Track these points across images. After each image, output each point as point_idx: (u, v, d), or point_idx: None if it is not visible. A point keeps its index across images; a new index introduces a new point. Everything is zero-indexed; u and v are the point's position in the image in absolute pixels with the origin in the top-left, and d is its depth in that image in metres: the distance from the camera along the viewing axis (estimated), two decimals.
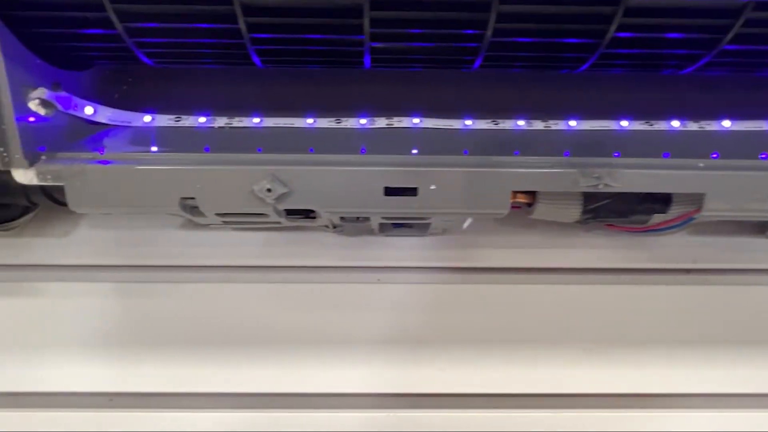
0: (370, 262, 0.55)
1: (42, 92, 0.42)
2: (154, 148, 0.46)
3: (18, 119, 0.40)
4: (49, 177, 0.42)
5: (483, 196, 0.42)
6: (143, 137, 0.49)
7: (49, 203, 0.50)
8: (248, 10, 0.38)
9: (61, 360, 0.50)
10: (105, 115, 0.49)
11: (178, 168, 0.42)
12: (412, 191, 0.43)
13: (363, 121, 0.51)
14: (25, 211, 0.54)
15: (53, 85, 0.44)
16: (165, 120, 0.51)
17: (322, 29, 0.40)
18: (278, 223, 0.48)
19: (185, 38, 0.42)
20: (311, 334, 0.53)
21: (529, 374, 0.51)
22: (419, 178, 0.42)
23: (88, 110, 0.48)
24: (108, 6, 0.38)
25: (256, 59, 0.44)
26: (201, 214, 0.45)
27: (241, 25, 0.39)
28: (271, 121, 0.51)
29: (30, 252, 0.54)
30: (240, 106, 0.52)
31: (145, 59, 0.44)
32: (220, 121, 0.51)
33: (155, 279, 0.53)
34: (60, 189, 0.49)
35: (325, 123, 0.51)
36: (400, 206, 0.43)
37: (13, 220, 0.52)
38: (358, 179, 0.42)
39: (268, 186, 0.41)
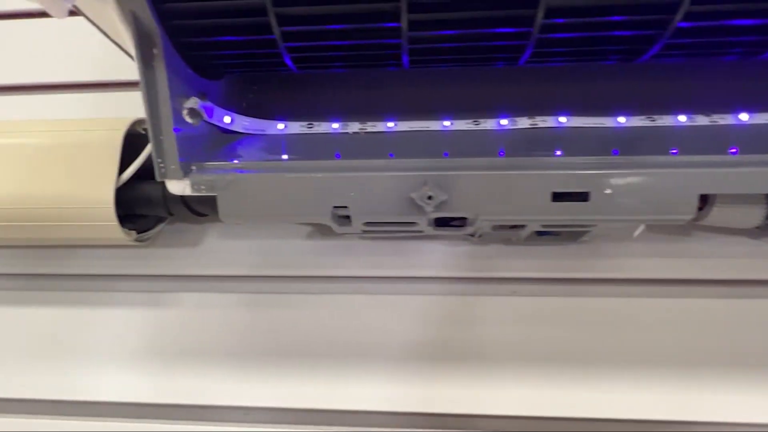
0: (505, 273, 0.51)
1: (195, 102, 0.42)
2: (286, 157, 0.45)
3: (176, 130, 0.40)
4: (202, 187, 0.41)
5: (667, 201, 0.38)
6: (279, 145, 0.48)
7: (185, 213, 0.50)
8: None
9: (198, 372, 0.50)
10: (242, 123, 0.49)
11: (333, 175, 0.40)
12: (582, 196, 0.39)
13: (504, 122, 0.48)
14: (158, 221, 0.54)
15: (200, 95, 0.43)
16: (297, 127, 0.50)
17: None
18: (419, 232, 0.46)
19: (339, 40, 0.40)
20: (444, 350, 0.50)
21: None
22: (593, 182, 0.38)
23: (227, 119, 0.48)
24: (270, 10, 0.37)
25: (405, 59, 0.42)
26: (347, 223, 0.43)
27: (404, 23, 0.37)
28: (404, 125, 0.49)
29: (163, 262, 0.54)
30: (369, 111, 0.51)
31: (291, 65, 0.43)
32: (353, 127, 0.49)
33: (286, 290, 0.52)
34: (198, 199, 0.49)
35: (462, 125, 0.49)
36: (569, 213, 0.39)
37: (148, 230, 0.53)
38: (523, 184, 0.39)
39: (430, 193, 0.38)
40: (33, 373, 0.52)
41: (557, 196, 0.39)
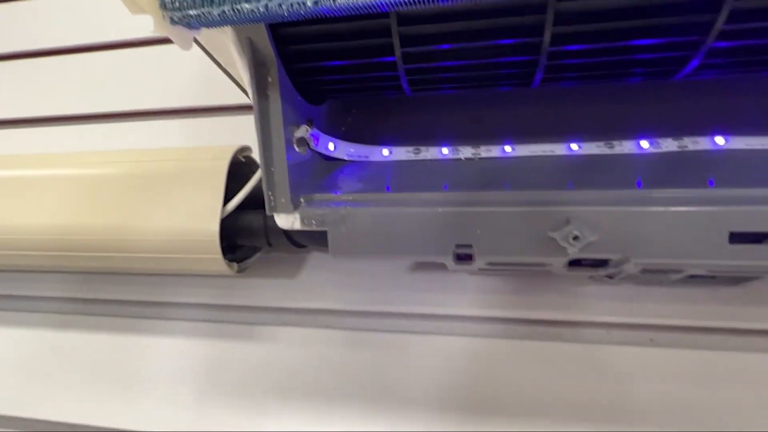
0: (643, 319, 0.44)
1: (305, 130, 0.39)
2: (395, 187, 0.41)
3: (288, 160, 0.37)
4: (313, 222, 0.38)
5: None
6: (386, 174, 0.44)
7: (284, 244, 0.47)
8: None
9: (288, 413, 0.47)
10: (346, 150, 0.46)
11: (458, 210, 0.35)
12: (763, 237, 0.32)
13: (645, 143, 0.42)
14: (255, 250, 0.53)
15: (308, 122, 0.41)
16: (403, 153, 0.46)
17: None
18: (546, 270, 0.40)
19: (466, 60, 0.36)
20: (566, 405, 0.44)
21: None
22: None
23: (331, 146, 0.45)
24: (394, 30, 0.34)
25: (539, 77, 0.37)
26: (467, 262, 0.38)
27: (546, 37, 0.32)
28: (524, 149, 0.44)
29: (258, 293, 0.52)
30: (482, 133, 0.46)
31: (407, 88, 0.40)
32: (465, 152, 0.44)
33: (386, 327, 0.48)
34: (300, 231, 0.47)
35: (593, 149, 0.43)
36: (748, 256, 0.32)
37: (245, 260, 0.51)
38: (693, 222, 0.32)
39: (576, 232, 0.33)
40: (117, 402, 0.52)
41: (735, 237, 0.32)
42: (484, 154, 0.44)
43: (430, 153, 0.45)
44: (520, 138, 0.44)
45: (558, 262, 0.36)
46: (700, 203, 0.32)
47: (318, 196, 0.40)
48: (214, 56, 0.38)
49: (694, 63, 0.34)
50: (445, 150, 0.45)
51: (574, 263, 0.38)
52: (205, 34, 0.36)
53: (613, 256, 0.35)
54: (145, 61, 0.68)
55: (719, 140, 0.40)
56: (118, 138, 0.65)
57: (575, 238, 0.33)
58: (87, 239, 0.46)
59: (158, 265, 0.47)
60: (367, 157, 0.47)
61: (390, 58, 0.36)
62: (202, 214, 0.43)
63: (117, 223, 0.45)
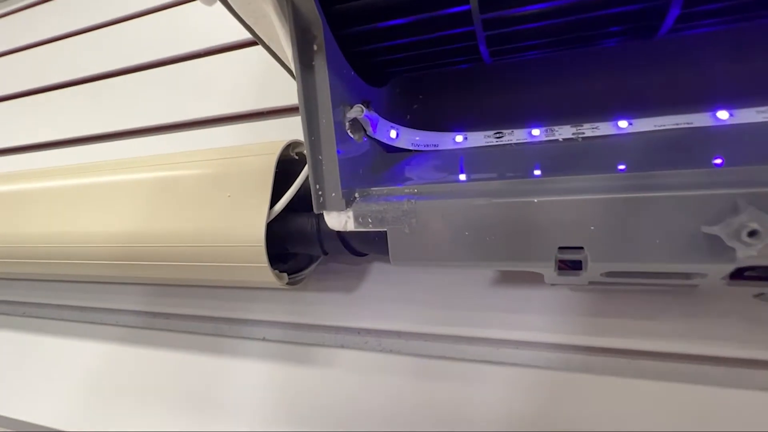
0: None
1: (360, 110, 0.32)
2: (476, 177, 0.33)
3: (339, 147, 0.30)
4: (369, 221, 0.31)
5: None
6: (461, 163, 0.36)
7: (341, 252, 0.40)
8: None
9: None
10: (410, 138, 0.38)
11: (561, 200, 0.26)
12: None
13: None
14: (311, 260, 0.46)
15: (364, 103, 0.34)
16: (481, 138, 0.38)
17: None
18: (689, 285, 0.29)
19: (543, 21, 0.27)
20: None
21: None
22: None
23: (392, 133, 0.38)
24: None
25: (668, 23, 0.27)
26: (574, 272, 0.28)
27: None
28: (645, 123, 0.33)
29: (314, 309, 0.45)
30: (583, 107, 0.36)
31: (485, 52, 0.31)
32: (563, 132, 0.35)
33: (462, 355, 0.38)
34: (358, 236, 0.40)
35: (745, 116, 0.31)
36: None
37: (297, 271, 0.45)
38: None
39: (754, 225, 0.22)
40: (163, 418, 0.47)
41: None
42: (589, 133, 0.34)
43: (515, 136, 0.36)
44: (636, 110, 0.34)
45: (717, 272, 0.25)
46: None
47: (376, 189, 0.32)
48: (255, 30, 0.33)
49: None
50: (535, 131, 0.35)
51: (738, 274, 0.27)
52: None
53: None
54: (216, 68, 0.67)
55: None
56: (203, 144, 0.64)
57: (752, 233, 0.22)
58: (125, 248, 0.42)
59: (199, 275, 0.42)
60: (436, 145, 0.39)
61: (464, 7, 0.28)
62: (246, 216, 0.38)
63: (154, 230, 0.41)
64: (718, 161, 0.26)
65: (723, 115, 0.31)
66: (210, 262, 0.40)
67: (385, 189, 0.32)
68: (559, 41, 0.31)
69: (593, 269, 0.27)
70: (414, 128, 0.40)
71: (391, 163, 0.39)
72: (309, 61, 0.30)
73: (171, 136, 0.66)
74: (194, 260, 0.41)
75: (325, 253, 0.41)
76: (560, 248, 0.27)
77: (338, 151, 0.30)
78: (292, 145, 0.42)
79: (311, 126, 0.30)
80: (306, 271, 0.45)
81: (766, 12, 0.27)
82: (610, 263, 0.26)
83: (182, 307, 0.53)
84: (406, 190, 0.31)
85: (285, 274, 0.40)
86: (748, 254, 0.22)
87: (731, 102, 0.31)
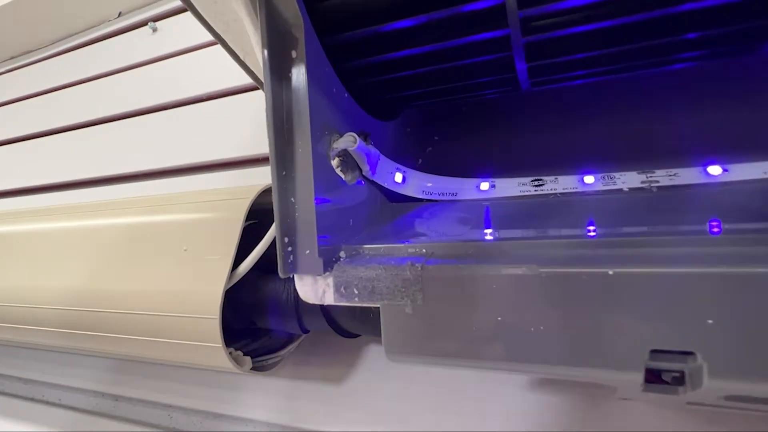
0: None
1: (352, 141, 0.24)
2: (509, 235, 0.23)
3: (320, 186, 0.22)
4: (355, 292, 0.21)
5: None
6: (488, 217, 0.27)
7: (326, 330, 0.30)
8: None
9: None
10: (420, 184, 0.30)
11: (657, 272, 0.16)
12: None
13: None
14: (289, 339, 0.36)
15: (361, 135, 0.26)
16: (514, 187, 0.29)
17: None
18: None
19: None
20: None
21: None
22: None
23: (398, 177, 0.29)
24: (513, 16, 0.19)
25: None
26: (675, 389, 0.18)
27: None
28: (749, 170, 0.24)
29: (288, 406, 0.35)
30: (644, 152, 0.27)
31: (524, 77, 0.23)
32: (629, 179, 0.26)
33: None
34: (347, 310, 0.30)
35: None
36: None
37: (271, 352, 0.35)
38: None
39: None
40: None
41: None
42: (665, 181, 0.25)
43: (560, 184, 0.27)
44: (730, 153, 0.25)
45: None
46: None
47: (370, 248, 0.23)
48: (226, 39, 0.26)
49: None
50: (588, 178, 0.27)
51: None
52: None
53: None
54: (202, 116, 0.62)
55: None
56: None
57: None
58: (61, 311, 0.33)
59: (147, 350, 0.33)
60: (455, 194, 0.30)
61: (503, 32, 0.20)
62: (203, 279, 0.29)
63: (98, 290, 0.32)
64: None
65: None
66: (154, 337, 0.31)
67: (381, 247, 0.23)
68: (617, 59, 0.23)
69: (710, 388, 0.16)
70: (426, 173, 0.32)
71: (395, 216, 0.30)
72: (285, 71, 0.22)
73: (167, 182, 0.59)
74: (138, 332, 0.32)
75: (305, 331, 0.32)
76: (653, 351, 0.16)
77: (318, 193, 0.22)
78: (268, 191, 0.34)
79: (280, 154, 0.22)
80: (282, 352, 0.35)
81: None
82: (740, 383, 0.16)
83: (135, 388, 0.43)
84: (411, 250, 0.22)
85: (248, 358, 0.30)
86: None
87: None
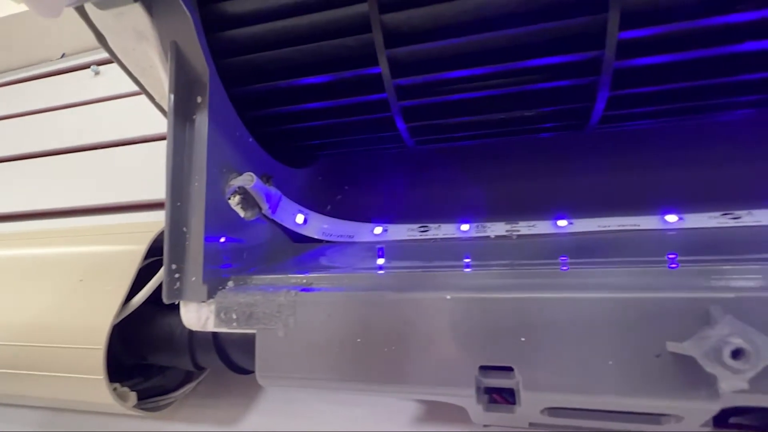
0: None
1: (249, 180, 0.26)
2: (382, 265, 0.26)
3: (213, 217, 0.24)
4: (234, 317, 0.23)
5: None
6: (376, 256, 0.29)
7: (219, 367, 0.31)
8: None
9: None
10: (318, 226, 0.32)
11: (481, 298, 0.19)
12: None
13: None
14: (186, 379, 0.36)
15: (263, 177, 0.29)
16: (404, 232, 0.32)
17: None
18: None
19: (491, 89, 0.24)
20: None
21: None
22: None
23: (299, 218, 0.32)
24: (388, 85, 0.23)
25: (597, 115, 0.24)
26: (504, 407, 0.20)
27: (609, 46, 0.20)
28: (586, 224, 0.28)
29: None
30: (519, 205, 0.32)
31: (408, 139, 0.27)
32: (497, 228, 0.30)
33: None
34: (241, 343, 0.31)
35: (705, 221, 0.27)
36: None
37: (165, 393, 0.34)
38: None
39: (738, 342, 0.15)
40: None
41: None
42: (525, 231, 0.29)
43: (442, 231, 0.31)
44: (579, 209, 0.29)
45: (695, 414, 0.18)
46: None
47: (257, 278, 0.25)
48: (143, 83, 0.28)
49: None
50: (464, 227, 0.30)
51: (722, 420, 0.19)
52: (123, 39, 0.27)
53: None
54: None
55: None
56: None
57: (737, 353, 0.15)
58: None
59: (30, 388, 0.31)
60: (351, 236, 0.32)
61: (381, 96, 0.24)
62: (92, 309, 0.29)
63: None
64: (674, 266, 0.21)
65: (672, 218, 0.27)
66: (39, 370, 0.30)
67: (268, 277, 0.25)
68: (479, 127, 0.27)
69: (529, 402, 0.19)
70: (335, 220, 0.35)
71: (295, 253, 0.32)
72: (190, 114, 0.25)
73: (94, 218, 0.58)
74: (22, 365, 0.30)
75: (199, 368, 0.31)
76: (482, 368, 0.19)
77: (211, 225, 0.23)
78: None
79: (177, 186, 0.24)
80: (176, 393, 0.34)
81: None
82: (549, 393, 0.18)
83: None
84: (293, 280, 0.24)
85: (133, 394, 0.30)
86: (734, 385, 0.15)
87: (681, 206, 0.28)
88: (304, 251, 0.32)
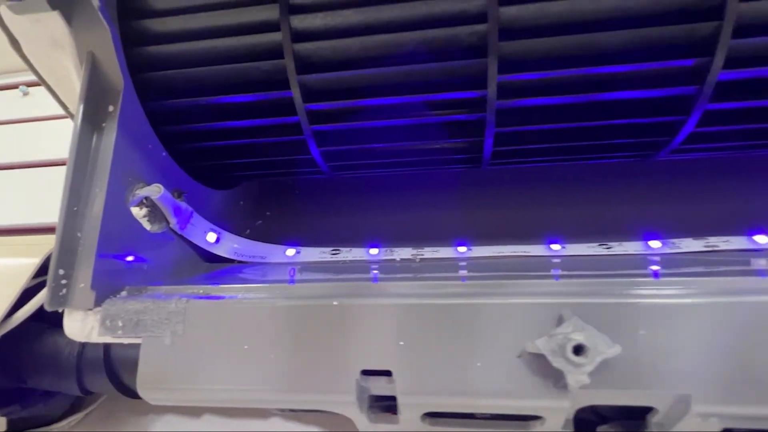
0: None
1: (156, 191, 0.26)
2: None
3: (105, 223, 0.23)
4: (119, 325, 0.22)
5: None
6: (283, 276, 0.30)
7: (109, 390, 0.29)
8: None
9: None
10: (229, 246, 0.32)
11: (363, 303, 0.20)
12: None
13: (655, 244, 0.29)
14: (74, 408, 0.33)
15: (174, 192, 0.29)
16: (316, 254, 0.32)
17: None
18: None
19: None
20: None
21: None
22: None
23: (211, 237, 0.31)
24: (300, 109, 0.25)
25: (488, 153, 0.26)
26: (387, 417, 0.21)
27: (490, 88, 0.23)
28: (485, 251, 0.31)
29: None
30: (431, 233, 0.34)
31: (322, 164, 0.29)
32: (402, 253, 0.31)
33: None
34: (131, 364, 0.29)
35: (584, 249, 0.30)
36: None
37: (47, 424, 0.31)
38: None
39: (579, 339, 0.17)
40: None
41: None
42: (428, 255, 0.30)
43: (352, 254, 0.32)
44: (478, 237, 0.32)
45: (554, 414, 0.19)
46: None
47: (152, 288, 0.24)
48: (59, 94, 0.28)
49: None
50: (373, 251, 0.31)
51: (585, 427, 0.21)
52: (37, 45, 0.27)
53: (655, 403, 0.18)
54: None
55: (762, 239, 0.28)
56: None
57: (578, 349, 0.17)
58: None
59: None
60: (264, 257, 0.33)
61: (293, 120, 0.26)
62: None
63: None
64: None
65: (556, 247, 0.30)
66: None
67: (164, 288, 0.24)
68: (390, 155, 0.30)
69: (407, 406, 0.20)
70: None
71: (205, 271, 0.31)
72: (100, 121, 0.25)
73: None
74: None
75: (86, 392, 0.29)
76: (364, 372, 0.20)
77: (110, 234, 0.23)
78: None
79: (76, 191, 0.23)
80: (61, 423, 0.31)
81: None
82: (424, 396, 0.19)
83: None
84: (189, 290, 0.24)
85: (2, 419, 0.27)
86: (578, 379, 0.17)
87: (565, 236, 0.31)
88: (215, 270, 0.31)
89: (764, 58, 0.22)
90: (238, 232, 0.35)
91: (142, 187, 0.26)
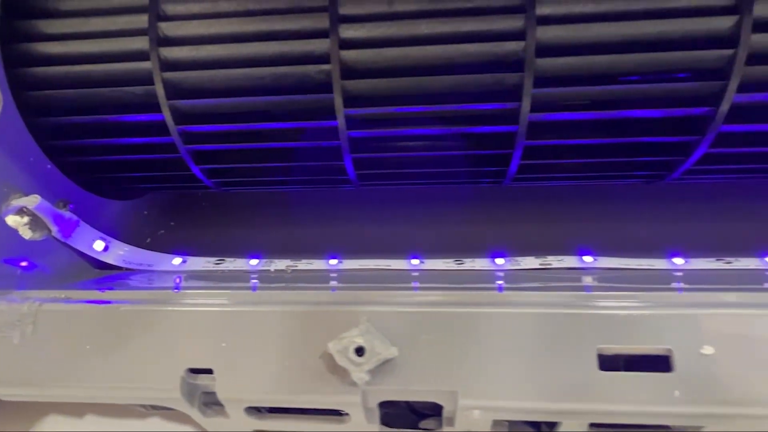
0: None
1: (33, 201, 0.28)
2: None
3: None
4: None
5: None
6: (169, 284, 0.32)
7: None
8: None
9: None
10: (117, 254, 0.34)
11: (192, 310, 0.23)
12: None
13: (500, 261, 0.33)
14: None
15: (58, 203, 0.30)
16: (201, 263, 0.35)
17: None
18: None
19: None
20: None
21: None
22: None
23: (98, 245, 0.33)
24: (171, 125, 0.27)
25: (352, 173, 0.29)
26: (214, 410, 0.23)
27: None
28: (353, 263, 0.33)
29: None
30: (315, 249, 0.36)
31: (206, 180, 0.31)
32: (279, 264, 0.34)
33: None
34: None
35: (440, 264, 0.33)
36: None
37: None
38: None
39: (360, 341, 0.20)
40: None
41: (607, 363, 0.20)
42: (302, 267, 0.33)
43: (235, 264, 0.34)
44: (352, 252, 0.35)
45: (353, 408, 0.22)
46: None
47: (17, 292, 0.26)
48: None
49: None
50: (253, 261, 0.34)
51: (412, 425, 0.24)
52: None
53: (441, 398, 0.21)
54: None
55: (588, 259, 0.32)
56: None
57: (359, 351, 0.20)
58: None
59: None
60: (151, 265, 0.35)
61: (168, 140, 0.28)
62: None
63: None
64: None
65: (415, 261, 0.33)
66: None
67: (28, 292, 0.26)
68: (273, 173, 0.32)
69: (227, 400, 0.22)
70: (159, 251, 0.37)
71: (90, 277, 0.33)
72: None
73: None
74: None
75: None
76: (189, 370, 0.22)
77: None
78: None
79: None
80: None
81: None
82: (242, 389, 0.22)
83: None
84: (52, 294, 0.26)
85: None
86: (360, 377, 0.20)
87: (427, 253, 0.34)
88: (103, 276, 0.33)
89: None
90: (139, 241, 0.37)
91: (18, 198, 0.28)
